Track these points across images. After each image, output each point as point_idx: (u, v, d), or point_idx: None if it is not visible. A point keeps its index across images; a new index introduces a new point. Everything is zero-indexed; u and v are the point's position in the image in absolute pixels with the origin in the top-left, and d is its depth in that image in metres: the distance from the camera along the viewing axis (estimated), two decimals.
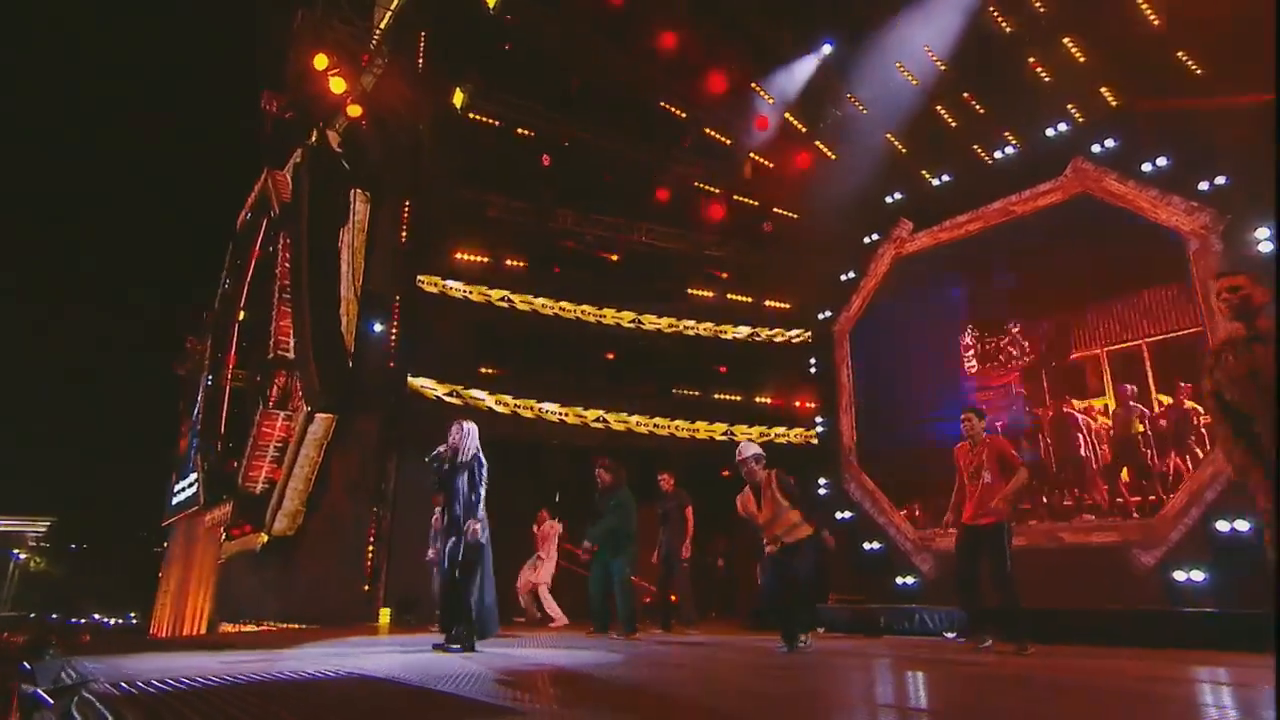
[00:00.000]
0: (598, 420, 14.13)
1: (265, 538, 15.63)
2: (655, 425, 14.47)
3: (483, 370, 13.83)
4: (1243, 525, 9.20)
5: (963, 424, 8.05)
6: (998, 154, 12.10)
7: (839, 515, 13.14)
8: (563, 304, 14.48)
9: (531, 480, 13.51)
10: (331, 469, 14.68)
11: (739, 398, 14.80)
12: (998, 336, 11.92)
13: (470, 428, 7.30)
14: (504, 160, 14.53)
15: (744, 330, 14.89)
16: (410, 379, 13.37)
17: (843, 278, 13.71)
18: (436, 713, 3.77)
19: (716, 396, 14.77)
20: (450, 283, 13.92)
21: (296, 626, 14.21)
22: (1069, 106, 11.48)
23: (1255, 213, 9.55)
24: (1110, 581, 10.25)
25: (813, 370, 14.16)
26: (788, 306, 15.08)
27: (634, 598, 9.91)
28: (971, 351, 12.17)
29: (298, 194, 14.79)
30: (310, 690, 4.56)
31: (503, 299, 14.18)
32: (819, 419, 13.98)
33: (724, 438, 14.58)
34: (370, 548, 12.86)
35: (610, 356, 14.63)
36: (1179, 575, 9.91)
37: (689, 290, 15.19)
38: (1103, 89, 11.19)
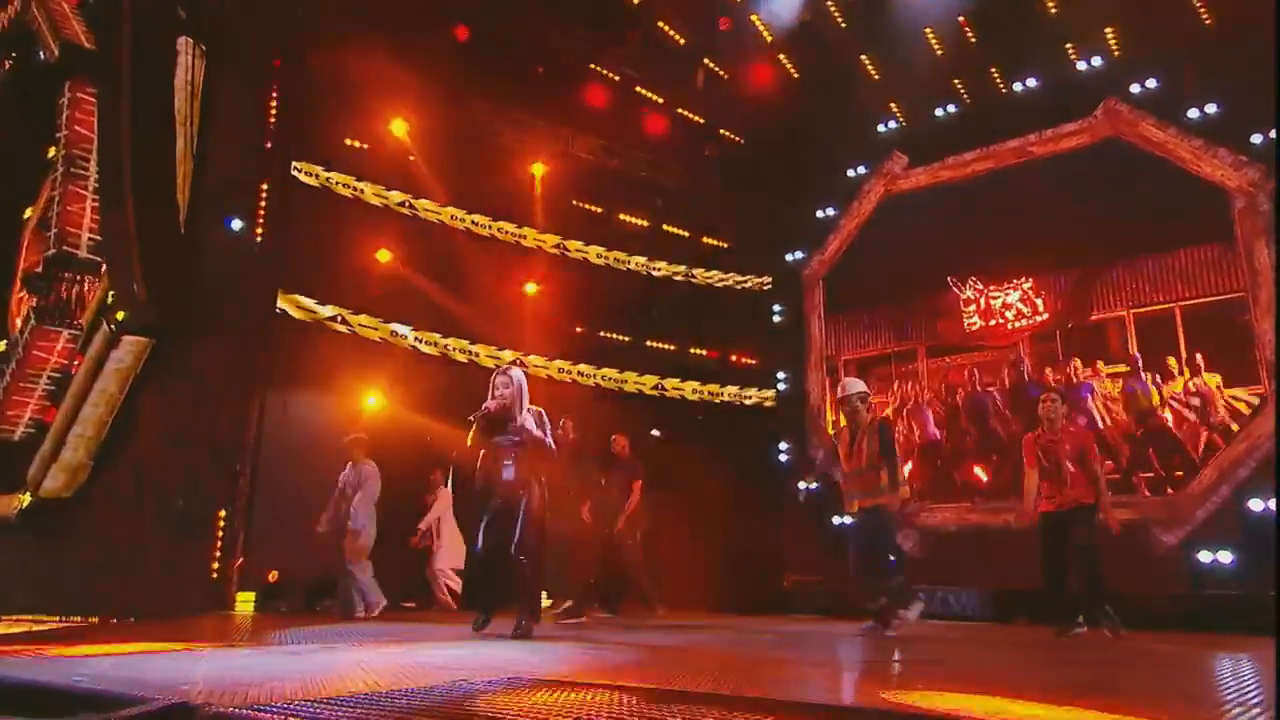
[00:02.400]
0: (516, 363, 11.46)
1: (26, 500, 11.45)
2: (579, 373, 12.04)
3: (375, 291, 10.71)
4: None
5: (1043, 405, 7.34)
6: (1016, 86, 10.78)
7: (803, 485, 11.51)
8: (476, 217, 11.60)
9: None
10: (142, 409, 10.82)
11: (673, 347, 12.64)
12: (1005, 291, 10.69)
13: (518, 376, 6.30)
14: (407, 26, 11.29)
15: (681, 269, 12.72)
16: (281, 295, 10.04)
17: (819, 214, 11.93)
18: None
19: (649, 344, 12.53)
20: (335, 175, 10.66)
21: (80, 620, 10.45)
22: (1103, 38, 10.36)
23: None
24: (1127, 562, 9.34)
25: (776, 320, 12.28)
26: (727, 245, 13.05)
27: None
28: (973, 307, 10.85)
29: (110, 36, 10.66)
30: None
31: (403, 203, 11.08)
32: (780, 375, 12.17)
33: (655, 392, 12.43)
34: (221, 516, 9.52)
35: (529, 287, 11.94)
36: (1204, 556, 9.26)
37: (620, 216, 12.76)
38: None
